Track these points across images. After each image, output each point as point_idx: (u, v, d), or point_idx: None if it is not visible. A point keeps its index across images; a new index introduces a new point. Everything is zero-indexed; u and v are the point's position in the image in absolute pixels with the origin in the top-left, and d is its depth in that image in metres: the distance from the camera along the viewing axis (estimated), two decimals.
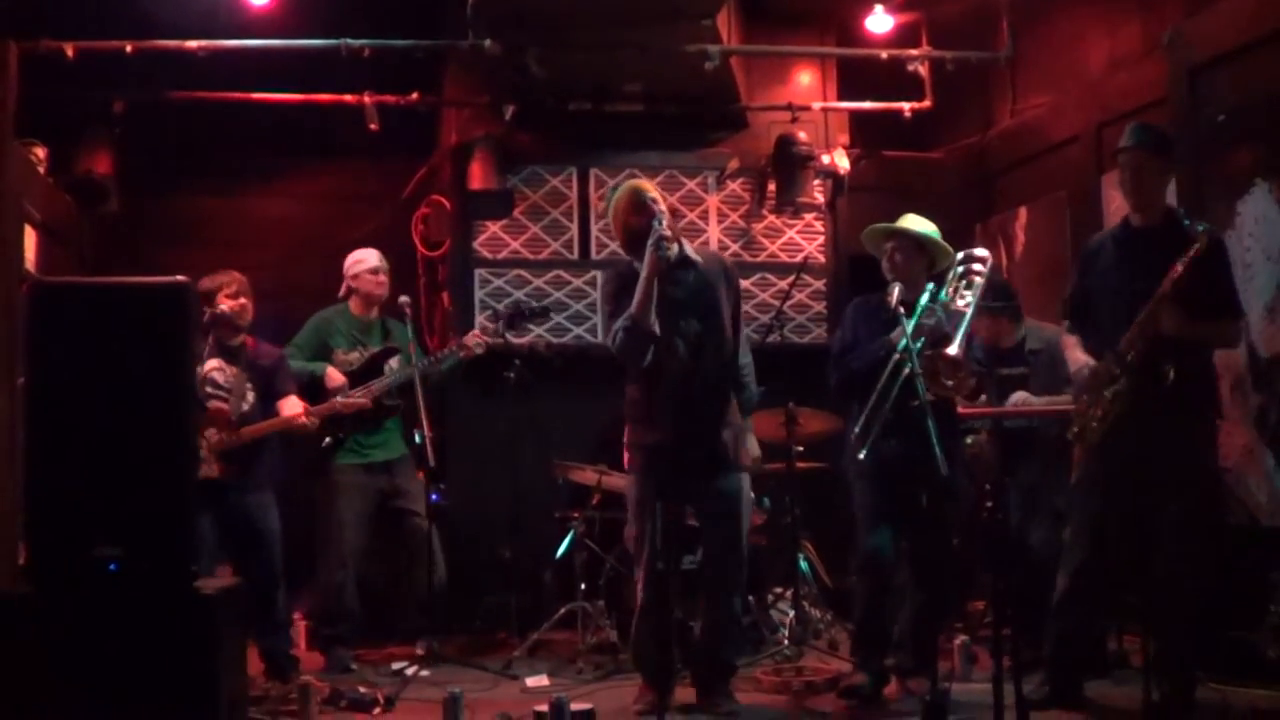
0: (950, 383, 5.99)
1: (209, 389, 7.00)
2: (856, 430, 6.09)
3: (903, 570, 6.54)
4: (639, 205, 6.16)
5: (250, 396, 7.12)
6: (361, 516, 7.65)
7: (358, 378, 7.66)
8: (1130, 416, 5.64)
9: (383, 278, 7.85)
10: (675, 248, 6.03)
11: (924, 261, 6.46)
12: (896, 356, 5.99)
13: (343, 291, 7.90)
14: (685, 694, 6.28)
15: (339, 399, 7.44)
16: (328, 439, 7.59)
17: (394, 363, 7.72)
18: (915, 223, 6.49)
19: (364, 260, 7.86)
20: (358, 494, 7.64)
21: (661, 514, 5.92)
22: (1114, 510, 5.80)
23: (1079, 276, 6.19)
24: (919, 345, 5.88)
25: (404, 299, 7.71)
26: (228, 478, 6.91)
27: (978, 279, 6.30)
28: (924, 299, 6.16)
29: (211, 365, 7.05)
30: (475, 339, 7.75)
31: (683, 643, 6.49)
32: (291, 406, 7.18)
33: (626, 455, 6.67)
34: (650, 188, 6.30)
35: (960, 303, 6.21)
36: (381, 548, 7.85)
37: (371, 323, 7.80)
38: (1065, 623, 6.04)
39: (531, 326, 8.61)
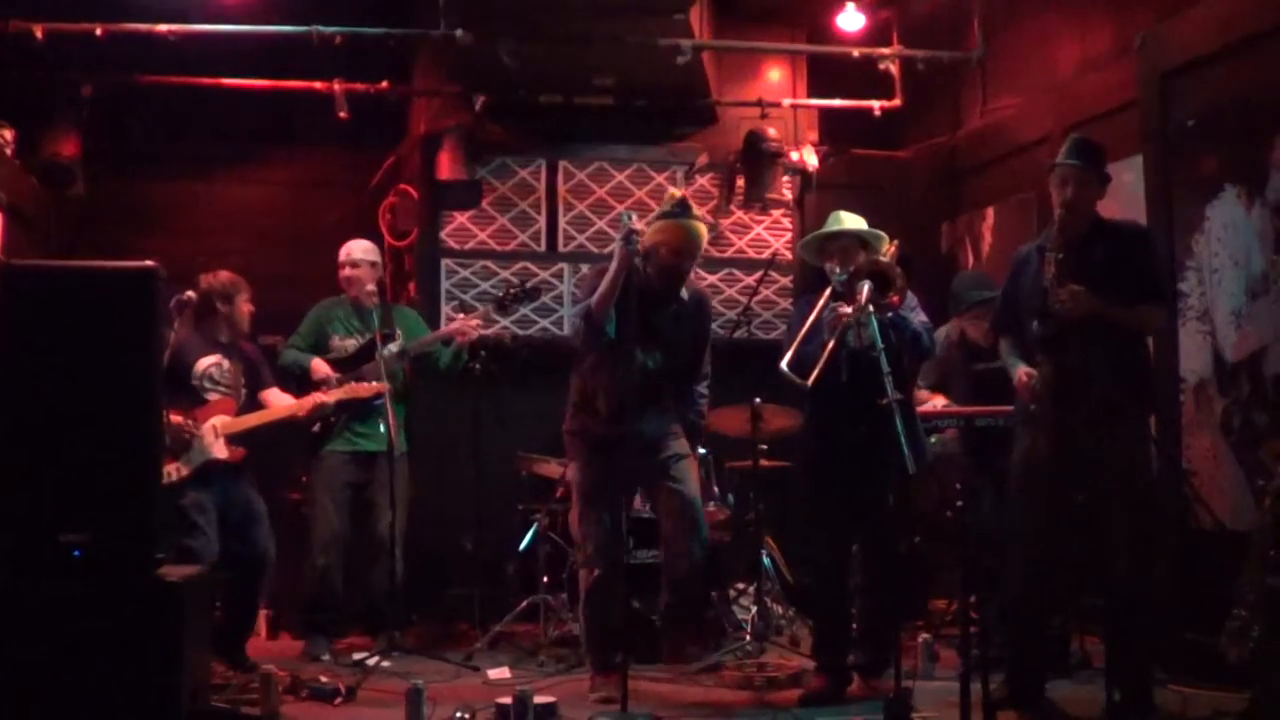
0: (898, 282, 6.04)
1: (208, 383, 7.12)
2: (790, 352, 6.17)
3: (858, 568, 6.58)
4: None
5: (243, 391, 7.23)
6: (343, 505, 7.70)
7: (351, 363, 7.73)
8: (1061, 417, 5.69)
9: (360, 268, 7.86)
10: (639, 245, 6.15)
11: (863, 257, 6.47)
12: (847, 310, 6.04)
13: None
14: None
15: (319, 394, 7.45)
16: (318, 425, 7.66)
17: (393, 347, 7.71)
18: (851, 220, 6.54)
19: (344, 250, 7.96)
20: (340, 482, 7.71)
21: (611, 499, 6.22)
22: (1057, 512, 5.79)
23: (1009, 282, 6.21)
24: (881, 345, 5.86)
25: (370, 288, 7.71)
26: (235, 460, 7.03)
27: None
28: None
29: (211, 360, 7.14)
30: (468, 323, 7.85)
31: (640, 634, 6.61)
32: (276, 397, 7.36)
33: (566, 441, 6.77)
34: None
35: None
36: (347, 538, 7.80)
37: (369, 310, 7.75)
38: (1020, 625, 6.06)
39: (520, 308, 8.64)
